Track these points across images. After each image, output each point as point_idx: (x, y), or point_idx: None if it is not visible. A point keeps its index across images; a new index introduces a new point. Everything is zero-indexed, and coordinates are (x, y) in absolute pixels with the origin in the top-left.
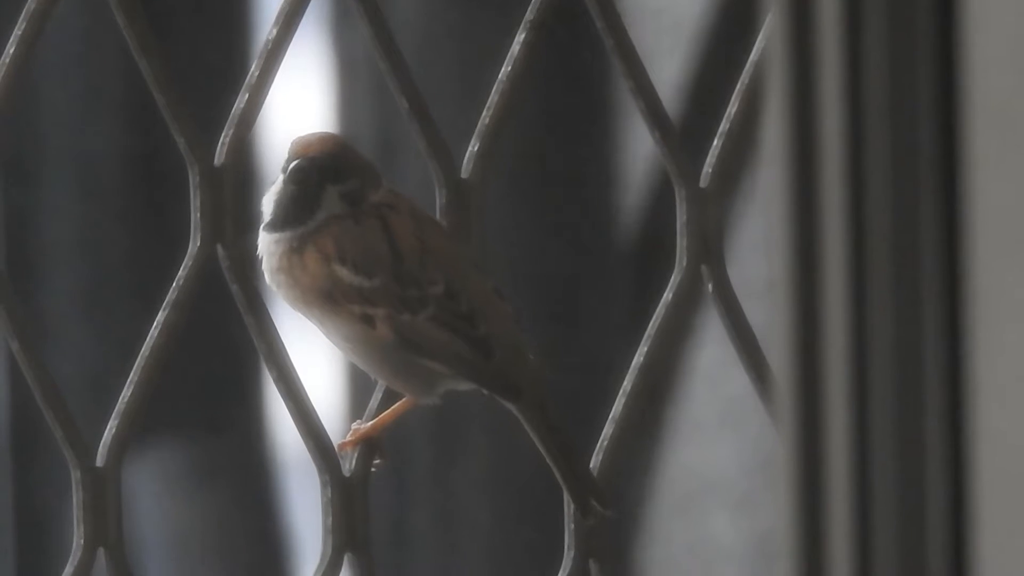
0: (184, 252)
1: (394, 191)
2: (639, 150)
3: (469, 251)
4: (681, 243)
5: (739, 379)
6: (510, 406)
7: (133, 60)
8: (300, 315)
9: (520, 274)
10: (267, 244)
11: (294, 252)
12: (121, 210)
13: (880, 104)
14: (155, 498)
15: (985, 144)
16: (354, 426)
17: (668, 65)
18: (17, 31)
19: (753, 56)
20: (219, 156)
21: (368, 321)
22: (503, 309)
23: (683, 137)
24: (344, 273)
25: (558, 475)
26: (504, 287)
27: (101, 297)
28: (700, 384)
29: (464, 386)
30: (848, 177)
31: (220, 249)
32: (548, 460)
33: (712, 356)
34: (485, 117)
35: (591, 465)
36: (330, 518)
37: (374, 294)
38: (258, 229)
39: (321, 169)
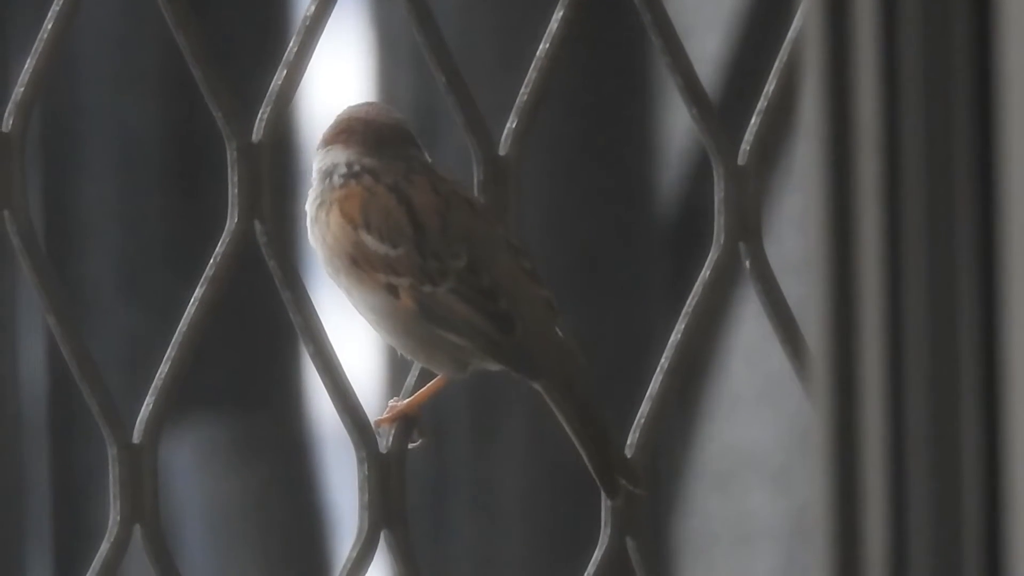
0: (222, 227)
1: (418, 167)
2: (678, 126)
3: (504, 231)
4: (719, 220)
5: (777, 355)
6: (533, 384)
7: (172, 35)
8: (334, 288)
9: (558, 250)
10: (310, 199)
11: (322, 207)
12: (160, 185)
13: (915, 80)
14: (192, 474)
15: (1022, 119)
16: (391, 403)
17: (706, 41)
18: (55, 7)
19: (791, 33)
20: (257, 132)
21: (392, 291)
22: (533, 290)
23: (721, 113)
24: (370, 240)
25: (583, 454)
26: (541, 263)
27: (139, 272)
28: (738, 360)
29: (490, 363)
30: (884, 154)
31: (257, 225)
32: (573, 439)
33: (751, 332)
34: (523, 94)
35: (628, 442)
36: (366, 495)
37: (398, 263)
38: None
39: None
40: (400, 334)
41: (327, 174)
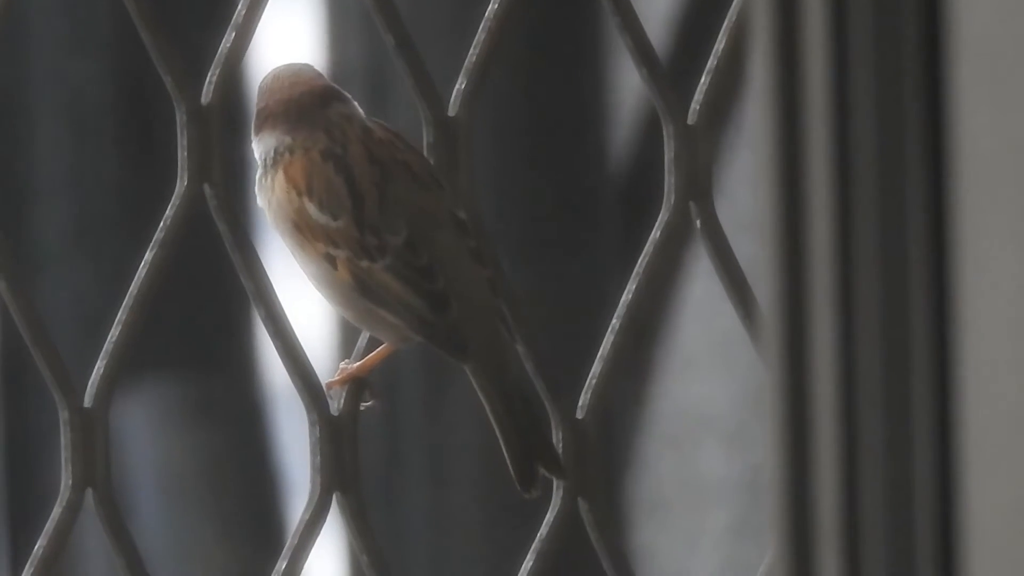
0: (173, 190)
1: (352, 131)
2: (628, 86)
3: (450, 200)
4: (669, 180)
5: (729, 314)
6: (463, 365)
7: None
8: (285, 251)
9: (509, 211)
10: (258, 173)
11: (266, 174)
12: (110, 148)
13: (865, 37)
14: (145, 437)
15: (970, 75)
16: (342, 365)
17: (656, 0)
18: None
19: None
20: (206, 95)
21: (331, 261)
22: (475, 270)
23: (671, 72)
24: (312, 209)
25: (502, 441)
26: (492, 224)
27: (90, 235)
28: (690, 318)
29: (423, 341)
30: (834, 111)
31: (207, 188)
32: (494, 425)
33: (703, 290)
34: (472, 55)
35: (580, 403)
36: (318, 457)
37: (338, 235)
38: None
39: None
40: (339, 304)
41: (264, 156)
